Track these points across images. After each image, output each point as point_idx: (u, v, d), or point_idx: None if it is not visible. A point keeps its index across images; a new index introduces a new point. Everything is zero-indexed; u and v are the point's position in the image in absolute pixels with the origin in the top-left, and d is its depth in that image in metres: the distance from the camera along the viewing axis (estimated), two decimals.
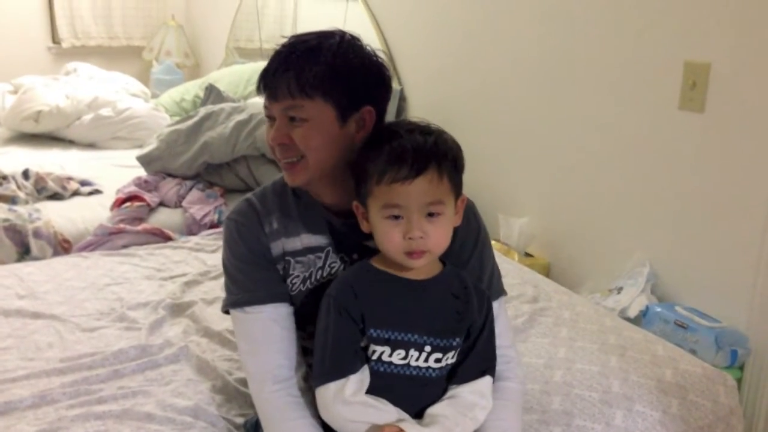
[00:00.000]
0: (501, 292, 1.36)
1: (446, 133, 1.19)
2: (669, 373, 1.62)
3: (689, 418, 1.52)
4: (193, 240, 2.49)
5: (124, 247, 2.46)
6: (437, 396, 1.19)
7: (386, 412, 1.14)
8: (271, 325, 1.26)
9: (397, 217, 1.12)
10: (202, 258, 2.30)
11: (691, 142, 2.03)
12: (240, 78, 4.19)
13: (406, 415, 1.16)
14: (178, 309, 1.90)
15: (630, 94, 2.22)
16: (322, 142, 1.21)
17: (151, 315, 1.86)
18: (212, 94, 3.58)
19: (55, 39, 5.42)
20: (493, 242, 2.63)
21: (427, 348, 1.16)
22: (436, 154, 1.13)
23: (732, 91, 1.91)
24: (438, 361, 1.17)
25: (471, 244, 1.29)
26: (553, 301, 1.98)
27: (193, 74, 5.48)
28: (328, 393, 1.14)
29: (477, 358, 1.22)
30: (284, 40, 1.25)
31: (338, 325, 1.15)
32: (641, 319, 2.03)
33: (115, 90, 4.17)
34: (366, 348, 1.16)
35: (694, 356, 1.76)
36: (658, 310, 2.00)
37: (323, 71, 1.20)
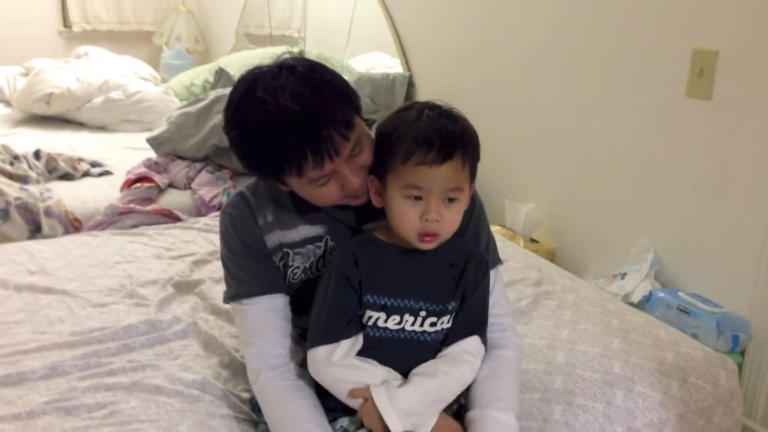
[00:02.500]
0: (497, 261, 1.39)
1: (467, 121, 1.20)
2: (670, 356, 1.63)
3: (689, 399, 1.54)
4: (202, 221, 2.51)
5: (134, 227, 2.49)
6: (432, 358, 1.23)
7: (374, 372, 1.18)
8: (267, 316, 1.29)
9: (416, 198, 1.14)
10: (211, 238, 2.32)
11: (698, 130, 2.04)
12: (250, 63, 4.09)
13: (395, 374, 1.20)
14: (186, 287, 1.93)
15: (638, 82, 2.23)
16: (372, 145, 1.22)
17: (160, 292, 1.88)
18: (222, 77, 3.60)
19: (66, 23, 5.45)
20: (498, 228, 2.68)
21: (422, 313, 1.20)
22: (461, 142, 1.15)
23: (739, 79, 1.91)
24: (433, 325, 1.21)
25: (467, 215, 1.30)
26: (557, 285, 2.00)
27: (203, 60, 5.50)
28: (317, 355, 1.18)
29: (466, 318, 1.25)
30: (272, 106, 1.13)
31: (337, 293, 1.19)
32: (644, 304, 2.05)
33: (125, 74, 4.19)
34: (362, 314, 1.19)
35: (696, 340, 1.77)
36: (661, 295, 2.02)
37: (340, 98, 1.17)
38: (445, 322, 1.22)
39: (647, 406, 1.49)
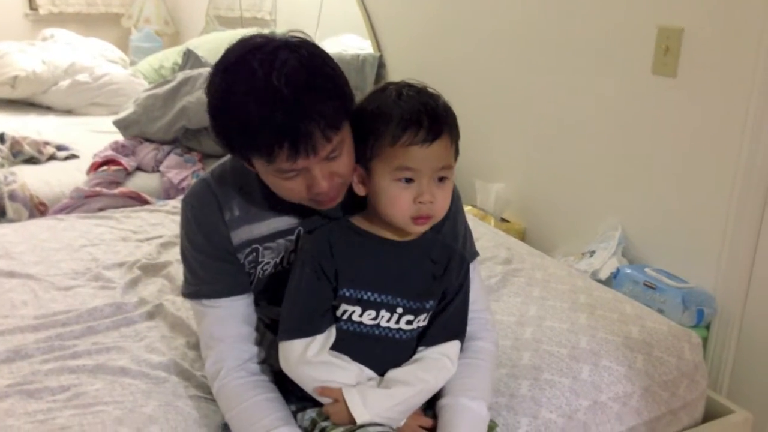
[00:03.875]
0: (474, 254, 1.36)
1: (444, 98, 1.17)
2: (636, 331, 1.65)
3: (654, 373, 1.56)
4: (171, 204, 2.49)
5: (101, 210, 2.46)
6: (406, 357, 1.20)
7: (347, 371, 1.14)
8: (229, 321, 1.23)
9: (407, 181, 1.09)
10: (179, 221, 2.30)
11: (664, 107, 2.05)
12: (219, 45, 4.09)
13: (370, 373, 1.17)
14: (153, 269, 1.91)
15: (604, 60, 2.23)
16: (352, 156, 1.14)
17: (127, 274, 1.87)
18: (191, 59, 3.56)
19: (32, 5, 5.35)
20: (469, 208, 2.69)
21: (399, 309, 1.16)
22: (446, 119, 1.12)
23: (704, 56, 1.92)
24: (409, 323, 1.17)
25: None
26: (526, 263, 2.01)
27: (173, 42, 5.43)
28: (291, 351, 1.14)
29: (448, 322, 1.22)
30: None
31: (311, 283, 1.14)
32: (612, 281, 2.07)
33: (93, 56, 4.13)
34: (336, 306, 1.15)
35: (662, 315, 1.80)
36: (628, 271, 2.04)
37: (335, 96, 1.08)
38: (421, 321, 1.19)
39: (612, 379, 1.51)
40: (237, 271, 1.24)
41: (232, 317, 1.24)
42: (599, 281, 2.05)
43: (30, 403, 1.31)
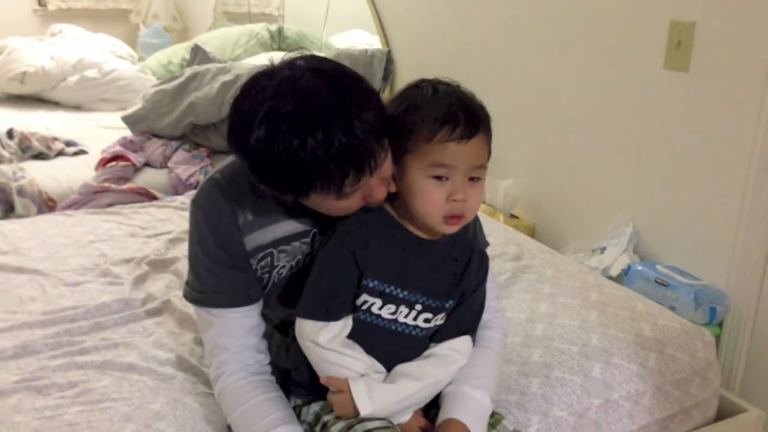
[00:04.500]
0: (485, 243, 1.35)
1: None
2: (648, 328, 1.64)
3: (666, 371, 1.54)
4: (179, 200, 2.48)
5: (109, 205, 2.45)
6: (419, 355, 1.19)
7: (357, 361, 1.13)
8: (237, 332, 1.20)
9: (440, 178, 1.08)
10: (188, 216, 2.29)
11: (676, 102, 2.03)
12: (227, 41, 4.15)
13: (378, 366, 1.16)
14: (161, 265, 1.91)
15: (615, 54, 2.21)
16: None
17: (135, 270, 1.86)
18: (198, 54, 3.55)
19: (41, 1, 5.35)
20: None
21: (418, 307, 1.15)
22: (482, 117, 1.11)
23: (717, 50, 1.90)
24: (427, 321, 1.17)
25: None
26: (536, 259, 2.00)
27: (181, 38, 5.42)
28: (305, 328, 1.13)
29: (462, 318, 1.21)
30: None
31: (339, 269, 1.12)
32: (623, 278, 2.05)
33: (101, 52, 4.13)
34: (357, 295, 1.14)
35: (674, 312, 1.78)
36: (639, 268, 2.02)
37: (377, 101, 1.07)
38: (439, 319, 1.18)
39: (624, 378, 1.50)
40: (247, 280, 1.20)
41: (239, 329, 1.21)
42: (610, 278, 2.03)
43: (38, 399, 1.31)
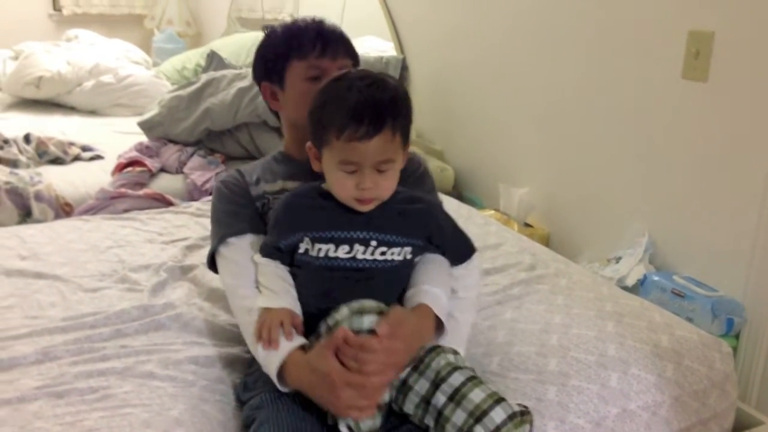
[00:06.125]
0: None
1: (398, 84, 1.29)
2: (665, 339, 1.63)
3: (684, 382, 1.54)
4: (195, 205, 2.49)
5: (125, 211, 2.47)
6: (388, 290, 1.30)
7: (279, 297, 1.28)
8: (247, 259, 1.37)
9: (351, 172, 1.22)
10: (203, 223, 2.30)
11: (694, 112, 2.03)
12: (242, 47, 4.17)
13: (299, 313, 1.28)
14: (180, 272, 1.91)
15: (633, 63, 2.21)
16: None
17: (153, 277, 1.87)
18: (214, 60, 3.57)
19: (56, 6, 5.40)
20: (493, 212, 2.67)
21: (373, 243, 1.27)
22: (392, 113, 1.21)
23: (735, 61, 1.90)
24: (383, 254, 1.28)
25: (413, 179, 1.47)
26: (550, 269, 1.99)
27: (195, 43, 5.46)
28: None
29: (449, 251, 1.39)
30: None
31: (280, 226, 1.32)
32: (639, 288, 2.05)
33: (116, 57, 4.16)
34: (311, 248, 1.28)
35: (691, 324, 1.77)
36: (656, 278, 2.02)
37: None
38: (396, 254, 1.29)
39: (642, 388, 1.49)
40: (252, 215, 1.43)
41: (251, 252, 1.38)
42: (625, 288, 2.03)
43: (59, 405, 1.32)
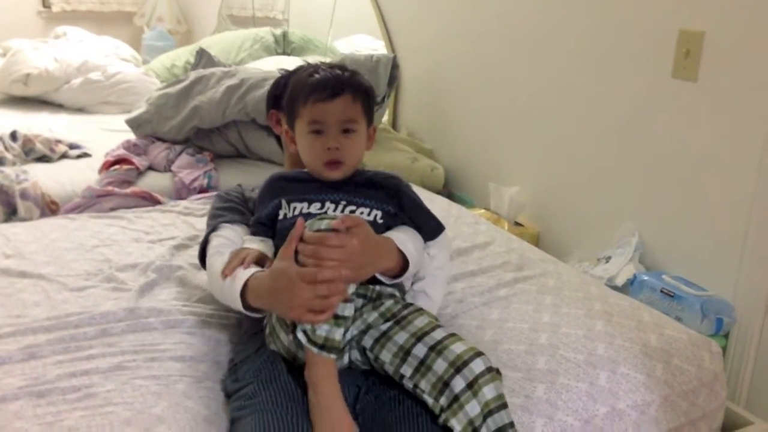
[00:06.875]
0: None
1: (361, 76, 1.44)
2: (654, 339, 1.63)
3: (673, 382, 1.53)
4: (182, 204, 2.47)
5: (112, 209, 2.44)
6: None
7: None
8: (241, 232, 1.51)
9: (318, 132, 1.37)
10: (191, 222, 2.28)
11: (684, 111, 2.02)
12: (232, 45, 4.15)
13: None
14: (167, 271, 1.89)
15: (623, 63, 2.21)
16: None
17: (140, 277, 1.84)
18: (203, 58, 3.54)
19: (45, 3, 5.36)
20: (483, 211, 2.66)
21: (343, 202, 1.38)
22: (350, 83, 1.39)
23: (726, 60, 1.90)
24: (352, 212, 1.37)
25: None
26: (538, 269, 1.98)
27: (185, 41, 5.43)
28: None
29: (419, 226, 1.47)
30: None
31: (264, 205, 1.45)
32: (629, 288, 2.04)
33: (105, 54, 4.12)
34: (287, 211, 1.40)
35: (680, 323, 1.77)
36: (645, 278, 2.01)
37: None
38: (365, 214, 1.38)
39: (630, 387, 1.49)
40: (244, 214, 1.59)
41: (234, 238, 1.51)
42: (615, 288, 2.03)
43: (40, 405, 1.30)
